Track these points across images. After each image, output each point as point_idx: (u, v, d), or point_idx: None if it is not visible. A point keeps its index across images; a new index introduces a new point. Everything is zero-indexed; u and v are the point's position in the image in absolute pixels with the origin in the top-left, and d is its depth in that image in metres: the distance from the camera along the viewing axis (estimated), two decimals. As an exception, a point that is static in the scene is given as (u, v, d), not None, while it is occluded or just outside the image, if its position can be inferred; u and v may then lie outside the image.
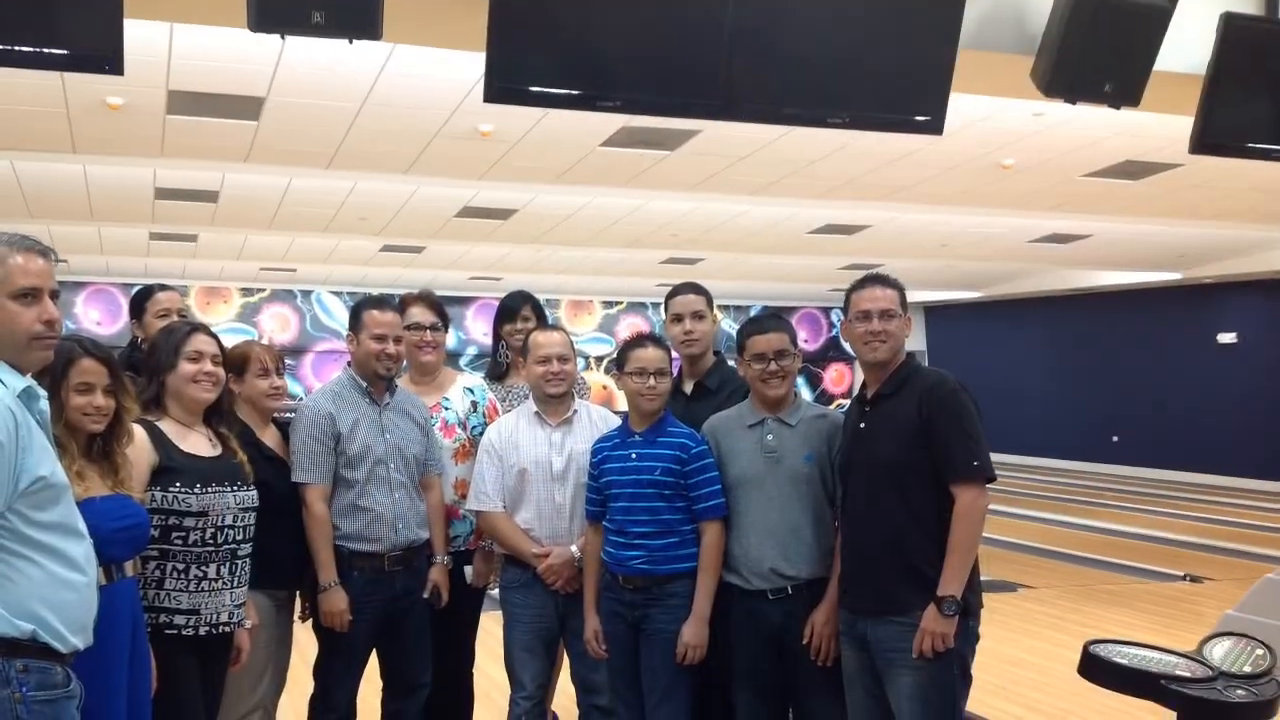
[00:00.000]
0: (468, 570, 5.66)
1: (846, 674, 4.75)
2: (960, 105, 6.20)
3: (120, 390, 4.07)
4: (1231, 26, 5.76)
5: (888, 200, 15.54)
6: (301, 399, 5.54)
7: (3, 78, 9.25)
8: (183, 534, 4.41)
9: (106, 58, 4.68)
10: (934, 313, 31.46)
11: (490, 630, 5.80)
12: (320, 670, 5.30)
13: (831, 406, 6.61)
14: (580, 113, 5.53)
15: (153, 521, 4.25)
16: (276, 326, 28.65)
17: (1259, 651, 4.69)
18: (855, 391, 5.18)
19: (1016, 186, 14.46)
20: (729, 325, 27.33)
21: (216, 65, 9.50)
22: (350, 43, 4.84)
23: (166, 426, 4.51)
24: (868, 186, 14.56)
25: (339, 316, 28.43)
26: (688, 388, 5.60)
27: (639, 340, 5.21)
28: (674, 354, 5.35)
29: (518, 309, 6.18)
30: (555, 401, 5.37)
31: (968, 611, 4.49)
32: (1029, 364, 28.46)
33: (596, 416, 5.50)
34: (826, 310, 32.88)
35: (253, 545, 4.65)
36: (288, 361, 5.93)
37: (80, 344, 4.04)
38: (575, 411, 5.44)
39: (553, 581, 5.25)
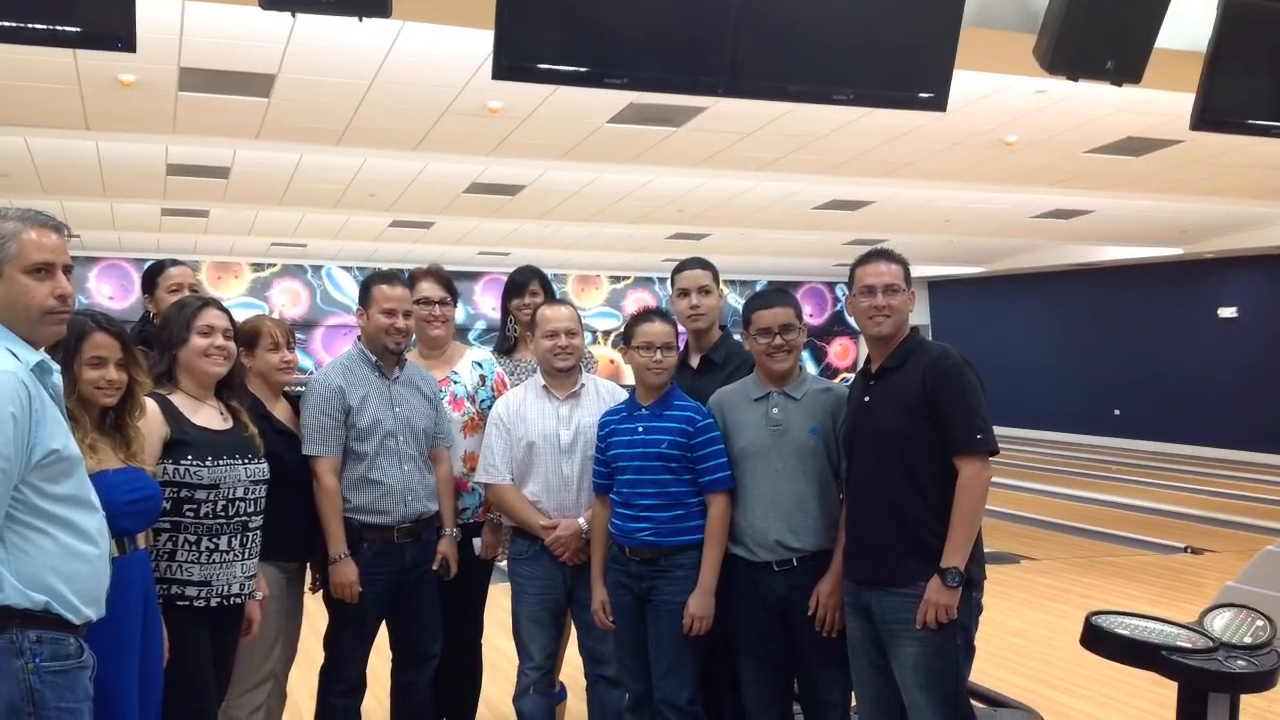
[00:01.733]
0: (476, 542, 5.66)
1: (851, 645, 4.78)
2: (964, 82, 6.22)
3: (132, 364, 4.07)
4: (1232, 4, 5.77)
5: (892, 176, 15.57)
6: (312, 373, 5.56)
7: (16, 55, 9.33)
8: (194, 506, 4.43)
9: (119, 35, 4.71)
10: (937, 287, 31.46)
11: (499, 602, 5.84)
12: (330, 641, 5.33)
13: (836, 380, 6.64)
14: (587, 89, 5.56)
15: (164, 494, 4.27)
16: (287, 301, 28.72)
17: (1259, 623, 4.73)
18: (860, 365, 5.20)
19: (1019, 163, 14.49)
20: (735, 300, 27.34)
21: (228, 43, 9.54)
22: (360, 20, 4.86)
23: (178, 400, 4.53)
24: (872, 163, 14.59)
25: (349, 291, 28.52)
26: (694, 362, 5.63)
27: (646, 315, 5.24)
28: (680, 328, 5.38)
29: (526, 284, 6.19)
30: (563, 375, 5.39)
31: (971, 583, 4.52)
32: (1031, 338, 28.51)
33: (604, 390, 5.52)
34: (831, 285, 32.92)
35: (263, 517, 4.67)
36: (298, 336, 5.97)
37: (93, 318, 4.04)
38: (582, 385, 5.46)
39: (560, 553, 5.27)
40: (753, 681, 5.01)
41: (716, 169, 15.08)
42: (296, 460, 5.11)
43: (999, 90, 10.96)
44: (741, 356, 5.44)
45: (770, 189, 16.83)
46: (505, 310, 6.32)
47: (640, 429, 5.08)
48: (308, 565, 5.30)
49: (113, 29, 4.71)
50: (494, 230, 21.98)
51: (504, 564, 5.68)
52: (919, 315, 29.28)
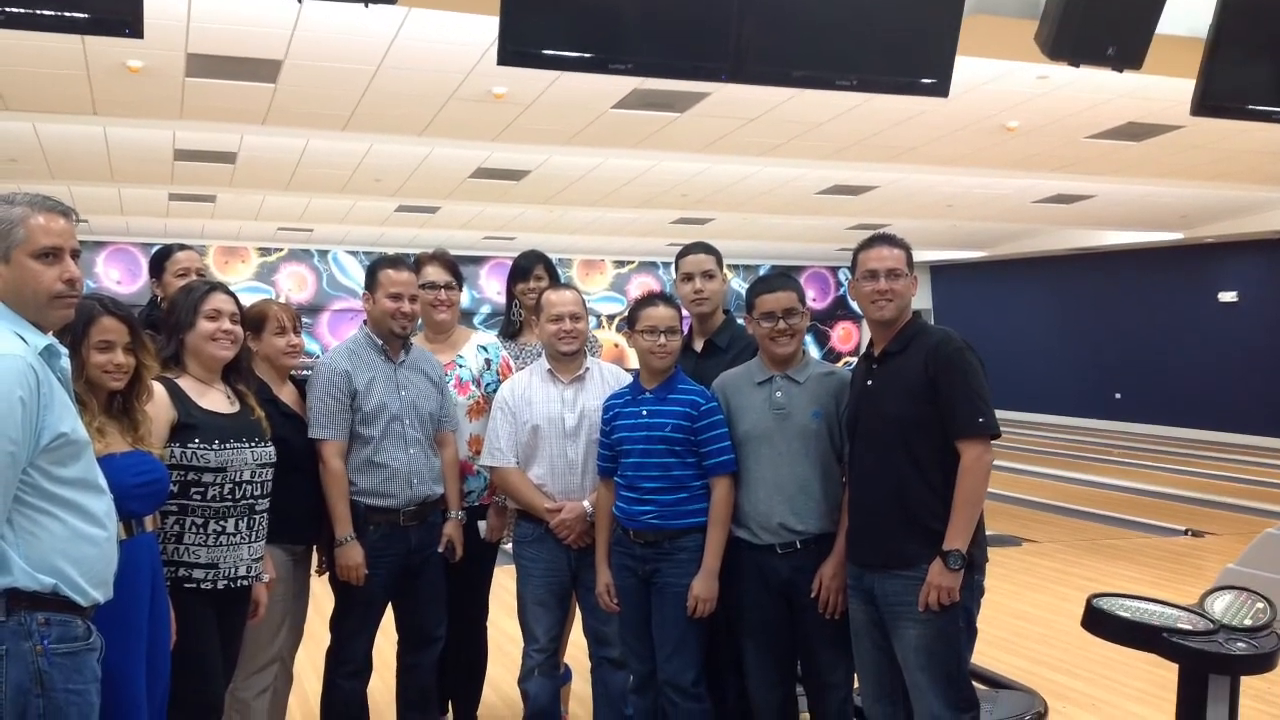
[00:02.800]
0: (481, 525, 5.69)
1: (854, 627, 4.81)
2: (966, 68, 6.24)
3: (140, 348, 4.10)
4: (1232, -10, 5.80)
5: (894, 161, 15.58)
6: (318, 357, 5.59)
7: (25, 40, 9.34)
8: (201, 489, 4.45)
9: (127, 21, 4.73)
10: (940, 272, 31.45)
11: (504, 584, 5.87)
12: (336, 624, 5.35)
13: (839, 364, 6.64)
14: (592, 75, 5.57)
15: (172, 477, 4.28)
16: (294, 285, 28.75)
17: (1259, 605, 4.75)
18: (862, 349, 5.22)
19: (1021, 148, 14.49)
20: (738, 284, 27.33)
21: (235, 28, 9.55)
22: (366, 6, 4.88)
23: (185, 384, 4.55)
24: (875, 148, 14.60)
25: (355, 275, 28.57)
26: (698, 346, 5.64)
27: (650, 299, 5.25)
28: (684, 312, 5.39)
29: (531, 268, 6.20)
30: (568, 359, 5.41)
31: (973, 565, 4.53)
32: (1033, 322, 28.52)
33: (608, 374, 5.54)
34: (834, 269, 32.92)
35: (270, 500, 4.69)
36: (304, 320, 5.98)
37: (101, 303, 4.06)
38: (587, 369, 5.47)
39: (565, 536, 5.29)
40: (756, 663, 5.04)
41: (720, 154, 15.09)
42: (303, 443, 5.13)
43: (1001, 76, 10.97)
44: (745, 340, 5.46)
45: (773, 174, 16.84)
46: (510, 294, 6.32)
47: (644, 412, 5.10)
48: (314, 548, 5.32)
49: (120, 15, 4.73)
50: (499, 215, 21.99)
51: (509, 547, 5.70)
52: (921, 300, 29.25)
